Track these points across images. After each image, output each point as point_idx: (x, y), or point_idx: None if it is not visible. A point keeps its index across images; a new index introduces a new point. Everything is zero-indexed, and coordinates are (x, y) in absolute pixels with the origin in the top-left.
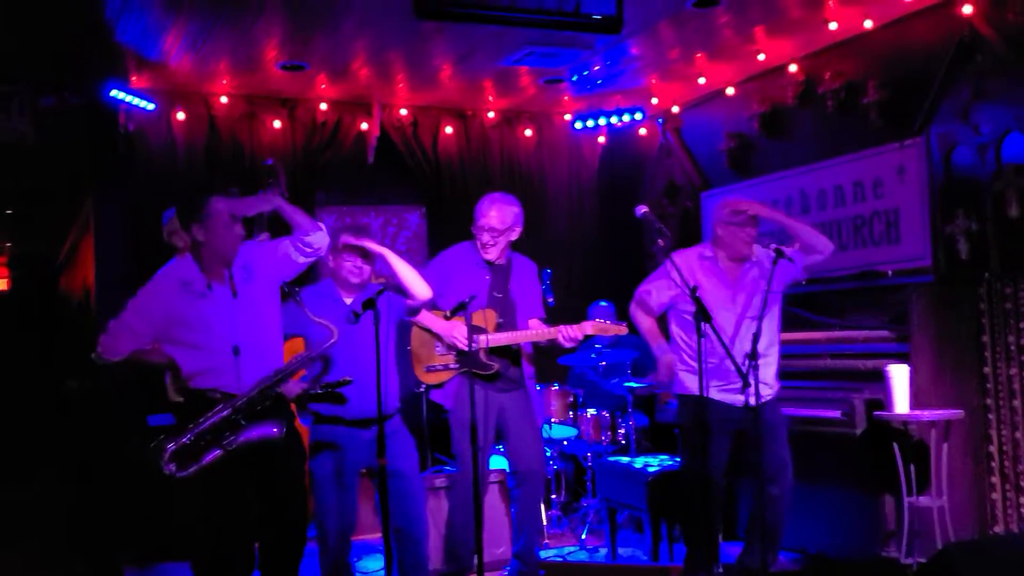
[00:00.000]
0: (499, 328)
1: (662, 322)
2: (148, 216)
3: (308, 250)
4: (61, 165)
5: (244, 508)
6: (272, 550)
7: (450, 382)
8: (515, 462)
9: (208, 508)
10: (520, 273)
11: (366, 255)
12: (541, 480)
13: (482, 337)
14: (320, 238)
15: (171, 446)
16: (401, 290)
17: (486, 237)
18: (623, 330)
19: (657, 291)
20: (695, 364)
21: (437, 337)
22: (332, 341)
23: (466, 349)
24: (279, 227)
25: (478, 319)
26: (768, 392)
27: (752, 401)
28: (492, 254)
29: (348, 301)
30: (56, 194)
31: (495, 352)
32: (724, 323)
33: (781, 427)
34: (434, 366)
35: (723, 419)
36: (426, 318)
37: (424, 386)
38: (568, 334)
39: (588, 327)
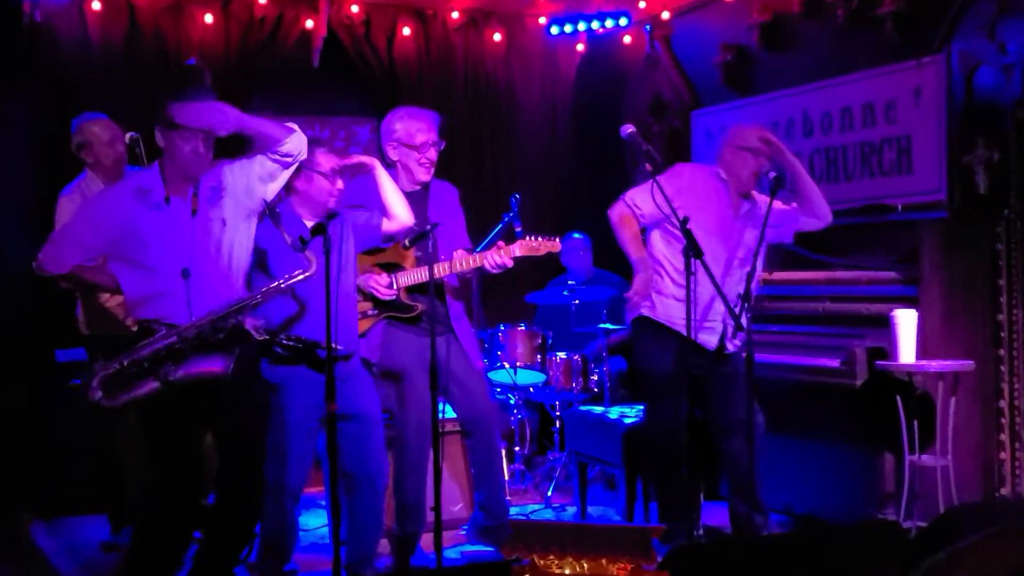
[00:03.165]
0: (418, 263)
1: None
2: (54, 121)
3: (288, 160)
4: None
5: (187, 454)
6: (223, 508)
7: (372, 331)
8: (461, 411)
9: (148, 445)
10: (439, 198)
11: (351, 170)
12: (492, 426)
13: (400, 275)
14: (297, 141)
15: (102, 372)
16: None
17: (433, 153)
18: (556, 247)
19: (646, 200)
20: (673, 290)
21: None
22: (309, 272)
23: (389, 297)
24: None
25: (392, 255)
26: (738, 342)
27: (729, 347)
28: (428, 175)
29: (310, 224)
30: None
31: (416, 291)
32: (718, 255)
33: (743, 376)
34: (363, 312)
35: (690, 360)
36: None
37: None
38: (495, 260)
39: (516, 249)
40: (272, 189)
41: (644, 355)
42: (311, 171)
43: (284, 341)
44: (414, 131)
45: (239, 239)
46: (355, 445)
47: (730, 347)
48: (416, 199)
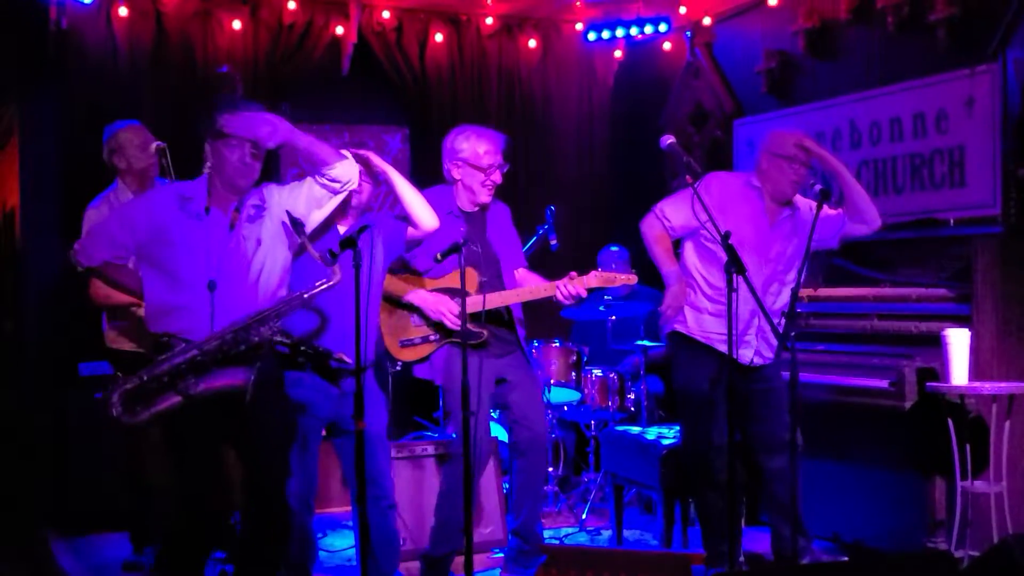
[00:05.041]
0: (482, 288)
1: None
2: (81, 129)
3: (336, 185)
4: None
5: (207, 470)
6: (252, 524)
7: (436, 354)
8: (519, 430)
9: (169, 462)
10: (496, 218)
11: (368, 173)
12: (543, 450)
13: (468, 302)
14: (347, 168)
15: (122, 386)
16: (403, 217)
17: (498, 176)
18: (632, 280)
19: (678, 211)
20: (707, 304)
21: (413, 308)
22: (332, 282)
23: (456, 327)
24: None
25: (456, 280)
26: (769, 353)
27: (756, 360)
28: (490, 197)
29: (342, 229)
30: None
31: (479, 317)
32: (754, 268)
33: (783, 391)
34: (411, 340)
35: (723, 376)
36: (399, 287)
37: (400, 364)
38: (568, 291)
39: (592, 279)
40: (317, 217)
41: (680, 373)
42: None
43: (296, 349)
44: (481, 152)
45: (272, 261)
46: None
47: (757, 360)
48: (475, 220)
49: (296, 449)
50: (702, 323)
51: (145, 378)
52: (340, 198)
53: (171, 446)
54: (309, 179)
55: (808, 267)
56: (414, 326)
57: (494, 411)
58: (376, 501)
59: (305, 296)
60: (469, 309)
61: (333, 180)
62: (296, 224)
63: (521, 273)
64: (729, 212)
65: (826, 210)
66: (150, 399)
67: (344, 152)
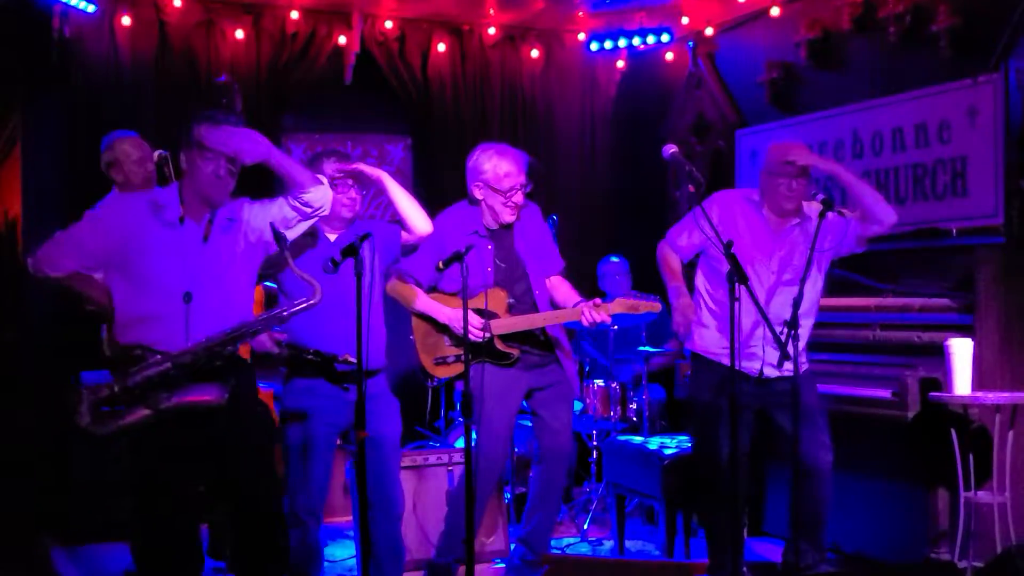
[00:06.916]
0: (511, 308)
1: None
2: (84, 138)
3: (307, 210)
4: None
5: (178, 483)
6: (241, 540)
7: (472, 374)
8: (540, 436)
9: (135, 478)
10: (525, 226)
11: (359, 182)
12: (564, 460)
13: (494, 324)
14: (321, 194)
15: (92, 397)
16: (397, 221)
17: (519, 197)
18: (656, 307)
19: (689, 234)
20: (710, 320)
21: (445, 328)
22: (312, 301)
23: (480, 339)
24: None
25: (480, 300)
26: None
27: (769, 373)
28: (513, 216)
29: (332, 238)
30: None
31: (511, 338)
32: (754, 282)
33: (817, 406)
34: (444, 358)
35: (741, 391)
36: (427, 304)
37: (437, 380)
38: (592, 317)
39: (616, 306)
40: (287, 236)
41: (691, 387)
42: None
43: (303, 355)
44: (502, 175)
45: (244, 276)
46: (374, 471)
47: (768, 372)
48: (501, 236)
49: (302, 458)
50: (704, 338)
51: (116, 389)
52: (310, 223)
53: (136, 461)
54: (281, 199)
55: (825, 279)
56: (446, 345)
57: (526, 420)
58: (385, 510)
59: (284, 314)
60: (497, 331)
61: (305, 204)
62: (279, 237)
63: (553, 281)
64: (729, 226)
65: (836, 217)
66: (119, 411)
67: (320, 177)
